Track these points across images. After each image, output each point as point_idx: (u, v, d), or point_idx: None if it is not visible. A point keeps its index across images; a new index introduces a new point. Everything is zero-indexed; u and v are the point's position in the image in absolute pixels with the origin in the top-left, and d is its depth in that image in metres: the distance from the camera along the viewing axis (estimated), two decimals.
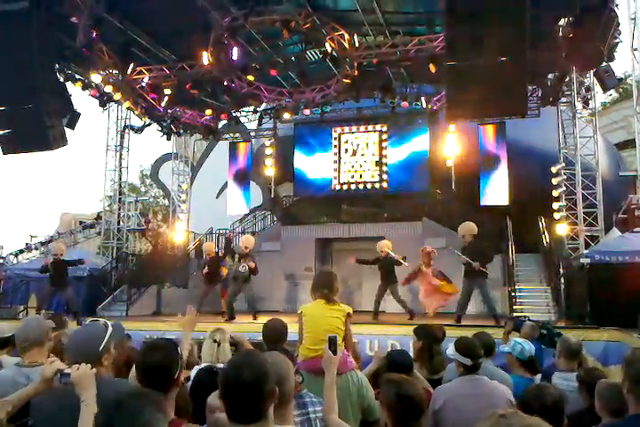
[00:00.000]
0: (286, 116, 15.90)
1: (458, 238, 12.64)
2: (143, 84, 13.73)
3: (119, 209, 16.68)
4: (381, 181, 16.42)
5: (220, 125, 17.37)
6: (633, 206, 12.98)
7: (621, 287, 9.27)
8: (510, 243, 12.34)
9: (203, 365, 3.82)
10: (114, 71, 13.20)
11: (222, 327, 4.70)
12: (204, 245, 13.91)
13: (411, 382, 2.83)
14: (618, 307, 8.96)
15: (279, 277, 15.30)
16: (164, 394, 2.20)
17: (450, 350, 3.80)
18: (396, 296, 11.24)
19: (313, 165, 17.12)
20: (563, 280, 10.97)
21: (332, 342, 3.20)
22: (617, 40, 9.79)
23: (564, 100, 13.46)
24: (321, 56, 12.39)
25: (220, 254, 13.94)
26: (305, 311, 4.20)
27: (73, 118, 13.25)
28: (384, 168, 16.42)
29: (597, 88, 12.30)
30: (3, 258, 19.48)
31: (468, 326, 8.98)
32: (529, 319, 6.76)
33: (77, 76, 13.34)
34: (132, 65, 13.22)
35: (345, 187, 16.77)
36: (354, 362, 3.94)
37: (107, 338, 2.56)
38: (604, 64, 10.27)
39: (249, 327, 9.35)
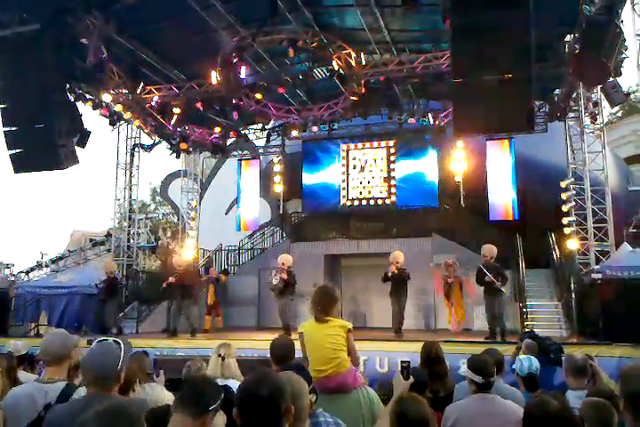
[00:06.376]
0: (294, 133, 16.00)
1: (467, 254, 12.63)
2: (153, 103, 13.90)
3: (129, 226, 16.75)
4: (390, 196, 16.45)
5: (229, 143, 17.49)
6: None
7: (633, 303, 9.17)
8: (520, 258, 12.30)
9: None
10: (124, 91, 13.39)
11: (228, 342, 4.68)
12: (174, 258, 13.63)
13: (418, 400, 2.80)
14: (630, 322, 8.83)
15: None
16: (197, 418, 2.16)
17: (462, 367, 3.78)
18: (398, 308, 11.25)
19: (321, 182, 17.18)
20: (574, 296, 10.89)
21: (405, 368, 3.20)
22: (623, 55, 9.81)
23: (571, 115, 13.45)
24: (328, 74, 12.53)
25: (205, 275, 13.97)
26: (305, 331, 4.01)
27: (83, 137, 13.34)
28: (392, 184, 16.46)
29: (605, 103, 12.29)
30: (14, 275, 19.61)
31: (481, 343, 8.92)
32: (532, 334, 6.67)
33: (88, 96, 13.47)
34: (141, 84, 13.39)
35: (353, 203, 16.81)
36: (362, 378, 3.91)
37: (122, 356, 2.66)
38: (611, 79, 10.27)
39: (257, 344, 9.35)
